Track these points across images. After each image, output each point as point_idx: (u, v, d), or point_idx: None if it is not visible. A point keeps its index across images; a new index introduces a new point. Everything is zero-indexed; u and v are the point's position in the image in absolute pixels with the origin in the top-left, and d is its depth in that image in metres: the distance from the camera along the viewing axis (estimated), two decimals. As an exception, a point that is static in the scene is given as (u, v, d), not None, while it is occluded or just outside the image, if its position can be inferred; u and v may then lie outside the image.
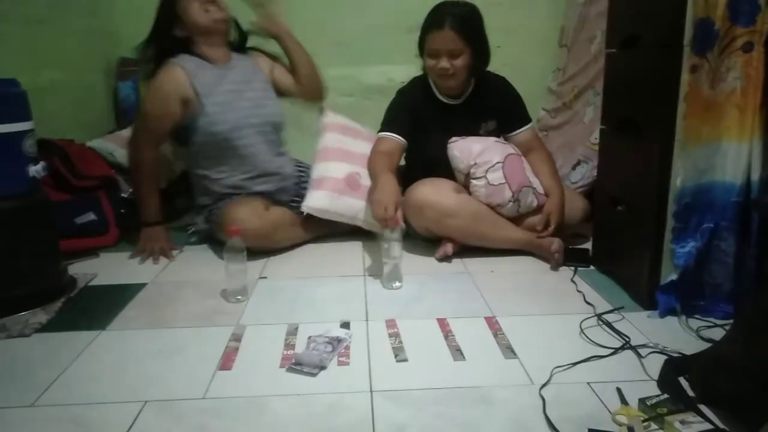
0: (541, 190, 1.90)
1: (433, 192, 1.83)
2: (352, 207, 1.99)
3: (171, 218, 2.36)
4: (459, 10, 1.83)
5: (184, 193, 2.38)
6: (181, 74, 1.90)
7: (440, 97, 1.96)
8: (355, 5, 2.82)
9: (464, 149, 1.90)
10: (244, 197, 1.94)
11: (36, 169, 1.54)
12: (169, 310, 1.52)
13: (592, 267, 1.78)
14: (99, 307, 1.54)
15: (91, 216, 1.97)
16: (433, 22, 1.84)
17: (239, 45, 2.11)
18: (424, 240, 1.95)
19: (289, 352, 1.29)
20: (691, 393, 1.09)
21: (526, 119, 2.04)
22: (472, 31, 1.83)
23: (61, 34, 2.36)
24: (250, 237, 1.72)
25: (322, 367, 1.22)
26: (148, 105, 1.94)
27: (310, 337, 1.34)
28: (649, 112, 1.46)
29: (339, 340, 1.32)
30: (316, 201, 1.95)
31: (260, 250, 1.87)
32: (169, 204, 2.37)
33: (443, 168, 1.93)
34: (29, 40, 2.13)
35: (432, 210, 1.82)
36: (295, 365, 1.23)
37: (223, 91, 1.95)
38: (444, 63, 1.83)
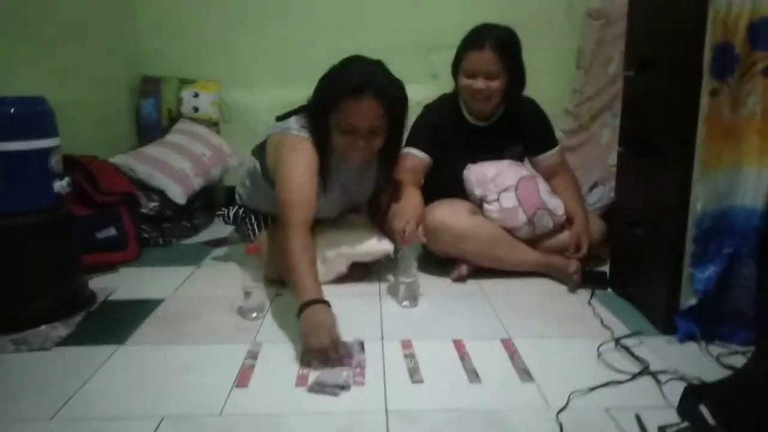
0: (557, 211, 1.88)
1: (448, 215, 1.83)
2: None
3: (189, 234, 2.40)
4: (500, 33, 1.83)
5: (204, 209, 2.41)
6: (315, 155, 1.66)
7: (468, 118, 1.96)
8: (373, 25, 2.86)
9: (479, 174, 1.90)
10: None
11: (61, 185, 1.57)
12: (187, 326, 1.53)
13: (609, 290, 1.77)
14: (118, 322, 1.56)
15: (112, 231, 2.00)
16: (473, 41, 1.84)
17: None
18: (440, 260, 1.95)
19: (304, 371, 1.29)
20: (711, 421, 1.07)
21: (553, 143, 2.03)
22: (510, 55, 1.84)
23: (87, 53, 2.42)
24: None
25: (346, 387, 1.22)
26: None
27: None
28: (668, 135, 1.46)
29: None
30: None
31: None
32: (187, 220, 2.41)
33: (463, 189, 1.93)
34: (56, 60, 2.19)
35: (448, 233, 1.82)
36: (318, 385, 1.22)
37: (337, 185, 1.79)
38: (480, 84, 1.83)
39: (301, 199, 1.56)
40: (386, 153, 1.76)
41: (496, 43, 1.80)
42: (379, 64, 1.65)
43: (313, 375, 1.26)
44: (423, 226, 1.73)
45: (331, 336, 1.30)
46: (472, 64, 1.83)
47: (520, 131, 1.99)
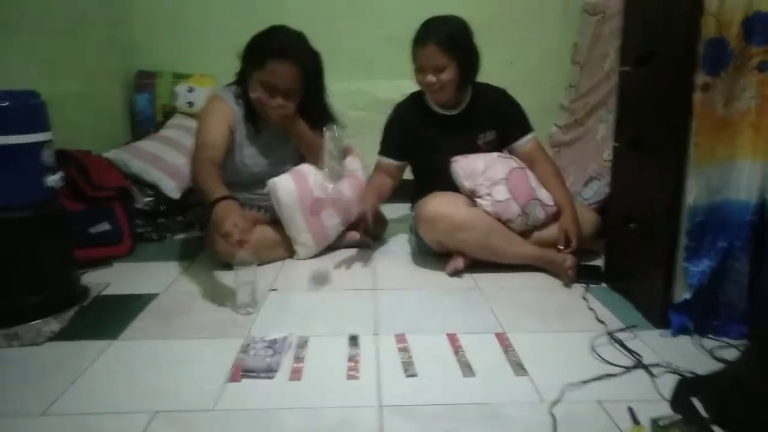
0: (548, 201, 1.90)
1: (445, 205, 1.84)
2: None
3: (184, 229, 2.39)
4: (444, 26, 1.87)
5: (197, 205, 2.39)
6: (229, 109, 1.93)
7: (436, 109, 2.00)
8: (369, 19, 2.85)
9: (467, 167, 1.91)
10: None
11: (54, 179, 1.56)
12: (180, 321, 1.53)
13: (604, 284, 1.77)
14: (111, 317, 1.55)
15: (105, 226, 1.99)
16: (418, 38, 1.90)
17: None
18: (435, 254, 1.95)
19: (298, 365, 1.29)
20: (704, 414, 1.08)
21: (526, 129, 2.03)
22: (457, 45, 1.86)
23: (81, 47, 2.41)
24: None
25: (274, 371, 1.26)
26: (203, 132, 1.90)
27: (248, 345, 1.36)
28: (662, 130, 1.46)
29: (278, 341, 1.35)
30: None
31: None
32: (182, 215, 2.40)
33: (449, 178, 1.95)
34: (50, 52, 2.17)
35: (444, 222, 1.82)
36: (248, 372, 1.25)
37: (258, 145, 1.98)
38: (430, 77, 1.88)
39: (211, 148, 1.82)
40: (308, 116, 1.97)
41: (438, 38, 1.84)
42: (300, 36, 1.89)
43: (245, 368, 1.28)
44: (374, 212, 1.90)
45: (240, 218, 1.52)
46: (419, 60, 1.90)
47: (491, 118, 2.01)
